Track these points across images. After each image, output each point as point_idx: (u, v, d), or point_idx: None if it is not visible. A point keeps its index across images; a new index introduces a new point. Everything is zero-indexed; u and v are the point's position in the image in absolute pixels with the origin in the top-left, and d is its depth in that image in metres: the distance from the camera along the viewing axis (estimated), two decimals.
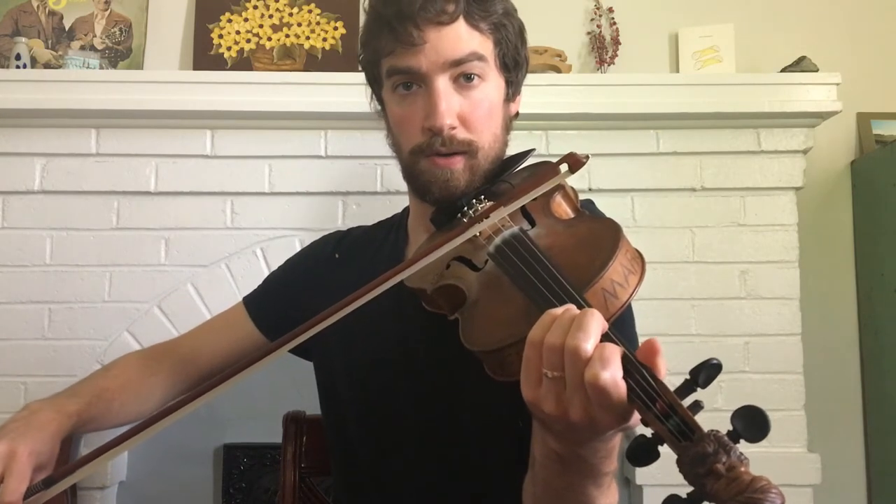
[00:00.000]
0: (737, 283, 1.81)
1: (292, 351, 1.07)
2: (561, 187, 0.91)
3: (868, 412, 2.02)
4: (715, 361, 0.58)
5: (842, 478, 1.97)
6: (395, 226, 1.12)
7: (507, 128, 1.00)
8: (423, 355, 0.98)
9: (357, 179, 1.80)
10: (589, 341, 0.60)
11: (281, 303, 1.12)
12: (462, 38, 0.91)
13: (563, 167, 0.84)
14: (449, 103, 0.91)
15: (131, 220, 1.78)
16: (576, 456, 0.68)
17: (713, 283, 1.81)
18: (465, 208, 0.93)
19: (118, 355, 1.73)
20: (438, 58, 0.90)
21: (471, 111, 0.93)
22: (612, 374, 0.58)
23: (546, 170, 0.91)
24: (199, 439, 2.02)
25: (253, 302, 1.14)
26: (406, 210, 1.12)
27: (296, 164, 1.80)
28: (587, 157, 0.82)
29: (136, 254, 1.77)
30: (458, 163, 0.93)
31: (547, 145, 1.78)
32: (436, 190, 0.94)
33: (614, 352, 0.59)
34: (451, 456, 0.97)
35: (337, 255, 1.11)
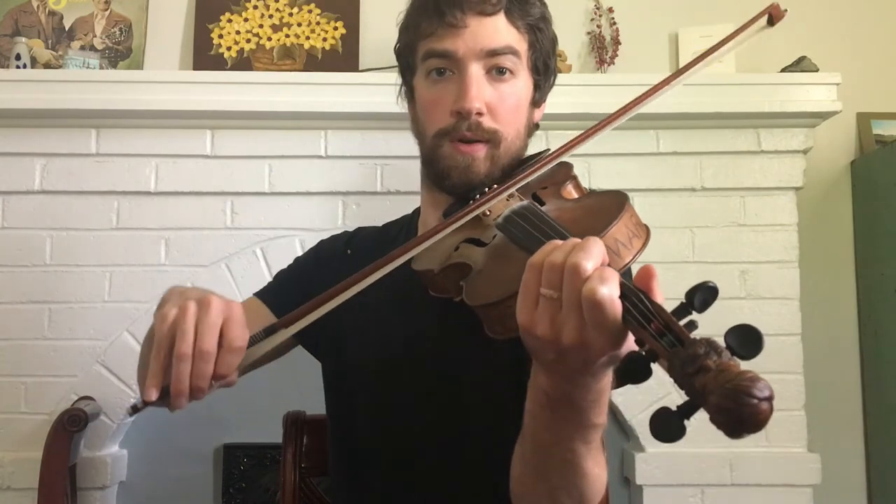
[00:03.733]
0: (737, 283, 1.81)
1: (302, 344, 1.07)
2: (573, 178, 0.93)
3: (868, 412, 2.02)
4: (711, 284, 0.58)
5: (842, 478, 1.96)
6: (406, 224, 1.14)
7: (529, 131, 1.02)
8: (431, 347, 0.98)
9: (357, 179, 1.81)
10: (590, 261, 0.61)
11: (296, 296, 1.11)
12: (500, 30, 0.95)
13: (763, 20, 0.85)
14: (480, 89, 0.93)
15: (131, 220, 1.78)
16: (565, 396, 0.69)
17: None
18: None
19: (118, 355, 1.76)
20: (476, 45, 0.93)
21: (499, 102, 0.95)
22: (610, 291, 0.59)
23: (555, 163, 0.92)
24: (199, 439, 2.02)
25: (269, 294, 1.13)
26: (416, 210, 1.13)
27: (296, 164, 1.80)
28: (786, 10, 0.83)
29: (136, 254, 1.78)
30: (480, 150, 0.95)
31: (547, 145, 1.77)
32: (455, 175, 0.95)
33: (612, 273, 0.60)
34: (458, 447, 0.97)
35: (349, 252, 1.12)
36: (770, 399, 0.49)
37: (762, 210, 1.82)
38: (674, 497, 1.75)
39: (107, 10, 2.00)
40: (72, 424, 1.61)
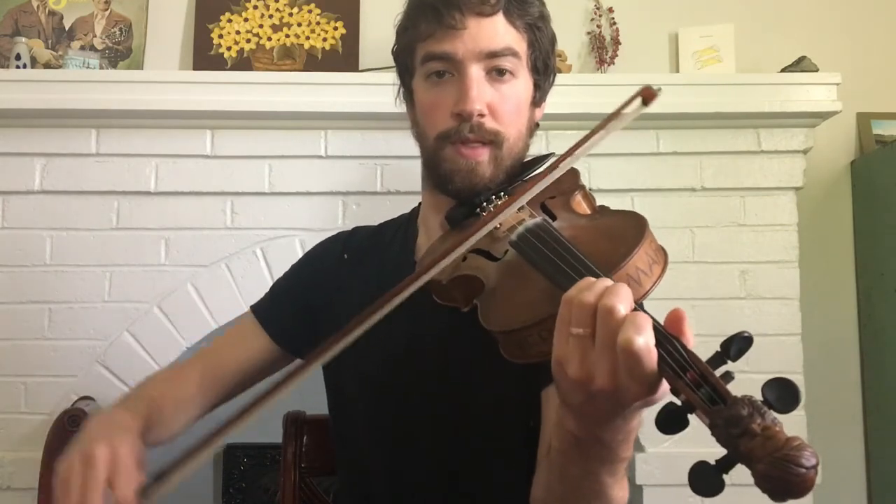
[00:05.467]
0: (737, 283, 1.81)
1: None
2: (581, 187, 0.91)
3: (868, 412, 2.02)
4: (746, 334, 0.58)
5: (842, 478, 1.97)
6: (404, 224, 1.12)
7: (531, 131, 1.01)
8: (434, 354, 0.98)
9: (357, 179, 1.81)
10: (622, 304, 0.59)
11: (291, 309, 1.10)
12: (499, 31, 0.94)
13: (637, 102, 0.84)
14: (480, 90, 0.93)
15: (131, 220, 1.78)
16: (594, 439, 0.67)
17: (713, 283, 1.81)
18: (485, 203, 0.93)
19: (118, 355, 1.76)
20: (475, 46, 0.93)
21: (500, 103, 0.94)
22: (647, 341, 0.57)
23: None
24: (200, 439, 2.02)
25: (262, 311, 1.12)
26: (414, 210, 1.12)
27: (296, 164, 1.80)
28: (660, 88, 0.82)
29: (136, 254, 1.78)
30: (483, 154, 0.94)
31: (547, 145, 1.77)
32: (458, 179, 0.94)
33: (646, 319, 0.59)
34: (461, 455, 0.97)
35: (346, 256, 1.11)
36: (816, 466, 0.49)
37: (762, 210, 1.82)
38: (674, 497, 1.74)
39: (107, 10, 2.00)
40: (72, 424, 1.61)
